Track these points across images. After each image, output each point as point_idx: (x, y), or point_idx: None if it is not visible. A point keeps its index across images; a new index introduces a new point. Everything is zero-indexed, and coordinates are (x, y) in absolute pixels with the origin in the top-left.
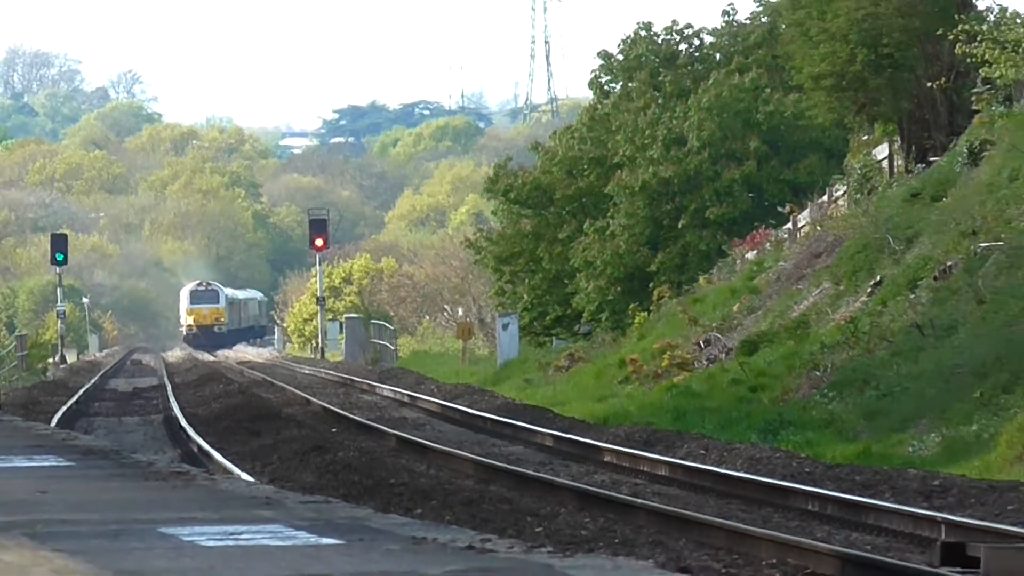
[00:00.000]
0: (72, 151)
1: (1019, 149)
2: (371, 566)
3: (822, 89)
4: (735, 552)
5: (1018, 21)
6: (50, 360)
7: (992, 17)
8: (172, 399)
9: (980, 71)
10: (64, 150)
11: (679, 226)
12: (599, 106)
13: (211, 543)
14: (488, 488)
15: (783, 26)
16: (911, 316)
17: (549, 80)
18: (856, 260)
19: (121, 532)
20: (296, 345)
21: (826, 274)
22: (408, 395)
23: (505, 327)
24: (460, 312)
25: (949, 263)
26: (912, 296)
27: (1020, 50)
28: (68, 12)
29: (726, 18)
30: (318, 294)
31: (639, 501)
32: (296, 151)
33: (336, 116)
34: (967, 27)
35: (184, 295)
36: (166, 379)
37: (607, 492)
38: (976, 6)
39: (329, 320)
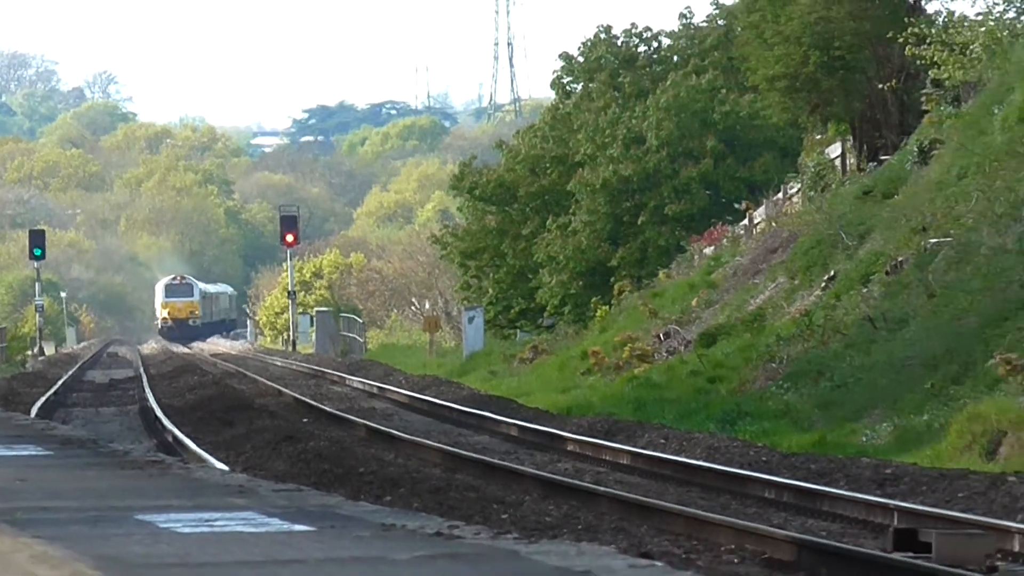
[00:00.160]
0: (49, 149)
1: (967, 148)
2: (342, 552)
3: (776, 90)
4: (695, 538)
5: (965, 24)
6: (29, 352)
7: (940, 21)
8: (148, 390)
9: (929, 73)
10: (41, 148)
11: (639, 222)
12: (561, 106)
13: (186, 530)
14: (455, 476)
15: (739, 29)
16: (864, 310)
17: (512, 81)
18: (810, 255)
19: (99, 519)
20: (268, 338)
21: (781, 269)
22: (377, 386)
23: (471, 320)
24: (427, 306)
25: (900, 258)
26: (864, 290)
27: (967, 53)
28: (45, 14)
29: (683, 21)
30: (289, 288)
31: (602, 489)
32: (267, 149)
33: (306, 115)
34: (916, 30)
35: (159, 289)
36: (142, 371)
37: (570, 480)
38: (925, 10)
39: (300, 313)
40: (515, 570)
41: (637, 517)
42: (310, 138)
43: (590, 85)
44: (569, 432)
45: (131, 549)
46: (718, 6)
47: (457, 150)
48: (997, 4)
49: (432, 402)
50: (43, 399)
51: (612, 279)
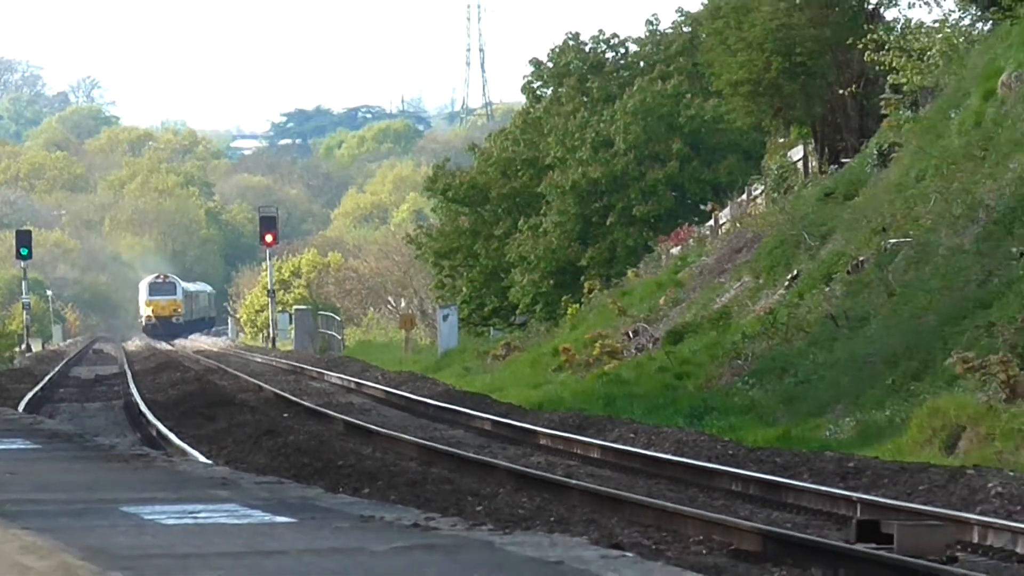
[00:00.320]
0: (35, 152)
1: (925, 151)
2: (322, 543)
3: (740, 95)
4: (664, 529)
5: (923, 31)
6: (16, 349)
7: (899, 27)
8: (132, 386)
9: (888, 78)
10: (27, 151)
11: (607, 223)
12: (531, 110)
13: (171, 521)
14: (431, 470)
15: (703, 35)
16: (826, 308)
17: (484, 85)
18: (774, 255)
19: (86, 511)
20: (248, 335)
21: (746, 269)
22: (354, 382)
23: (445, 318)
24: (403, 304)
25: (861, 258)
26: (827, 289)
27: (925, 58)
28: (30, 21)
29: (649, 28)
30: (269, 287)
31: (573, 482)
32: (246, 152)
33: (284, 119)
34: (875, 37)
35: (143, 287)
36: (126, 367)
37: (543, 473)
38: (884, 17)
39: (279, 311)
40: (490, 561)
41: (608, 509)
42: (288, 141)
43: (559, 90)
44: (541, 427)
45: (117, 540)
46: (683, 13)
47: (431, 153)
48: (953, 11)
49: (408, 397)
50: (31, 394)
51: (582, 278)
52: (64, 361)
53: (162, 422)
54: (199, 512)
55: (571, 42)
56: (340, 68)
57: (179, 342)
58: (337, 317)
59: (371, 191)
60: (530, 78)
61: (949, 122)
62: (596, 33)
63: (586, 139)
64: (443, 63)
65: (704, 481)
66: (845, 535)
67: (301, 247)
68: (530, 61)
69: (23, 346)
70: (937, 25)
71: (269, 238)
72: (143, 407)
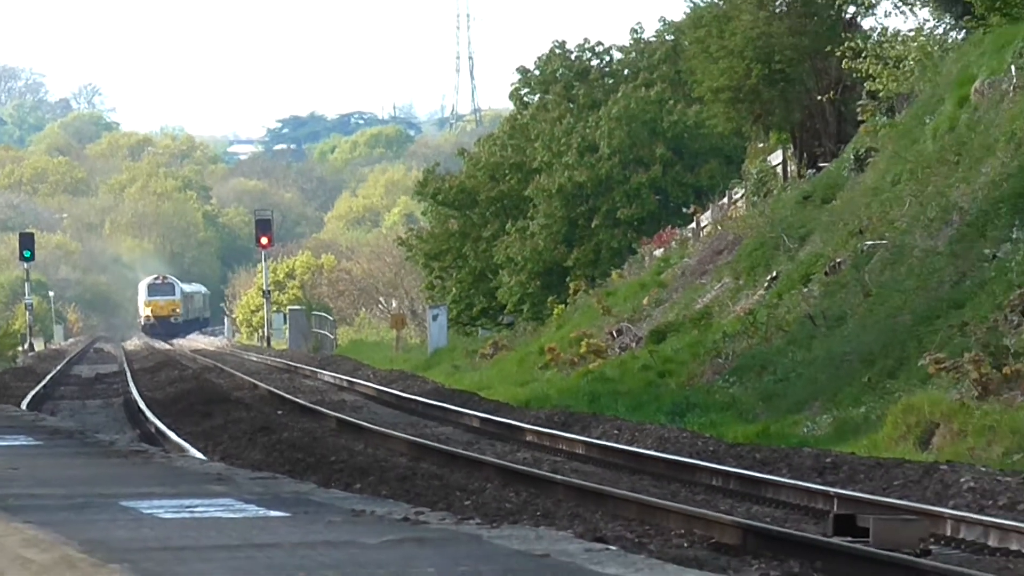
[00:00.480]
0: (38, 157)
1: (901, 156)
2: (315, 536)
3: (721, 101)
4: (647, 523)
5: (899, 39)
6: (19, 348)
7: (875, 36)
8: (131, 384)
9: (865, 85)
10: (30, 156)
11: (592, 226)
12: (519, 116)
13: (168, 515)
14: (420, 465)
15: (685, 44)
16: (804, 308)
17: (473, 92)
18: (754, 257)
19: (86, 505)
20: (244, 334)
21: (727, 270)
22: (347, 380)
23: (435, 318)
24: (394, 304)
25: (838, 260)
26: (805, 290)
27: (901, 66)
28: (33, 30)
29: (633, 36)
30: (264, 288)
31: (558, 477)
32: (242, 157)
33: (279, 125)
34: (852, 45)
35: (142, 288)
36: (126, 366)
37: (529, 469)
38: (861, 26)
39: (274, 311)
40: (478, 553)
41: (592, 503)
42: (283, 146)
43: (546, 97)
44: (528, 423)
45: (116, 534)
46: (666, 22)
47: (421, 158)
48: (928, 20)
49: (399, 395)
50: (33, 392)
51: (568, 279)
52: (65, 360)
53: (160, 419)
54: (196, 506)
55: (557, 50)
56: (333, 76)
57: (177, 341)
58: (330, 317)
59: (363, 195)
60: (517, 85)
61: (924, 128)
62: (581, 41)
63: (572, 144)
64: (433, 71)
65: (686, 476)
66: (822, 529)
67: (295, 249)
68: (517, 69)
69: (26, 345)
70: (912, 33)
71: (264, 240)
72: (142, 404)
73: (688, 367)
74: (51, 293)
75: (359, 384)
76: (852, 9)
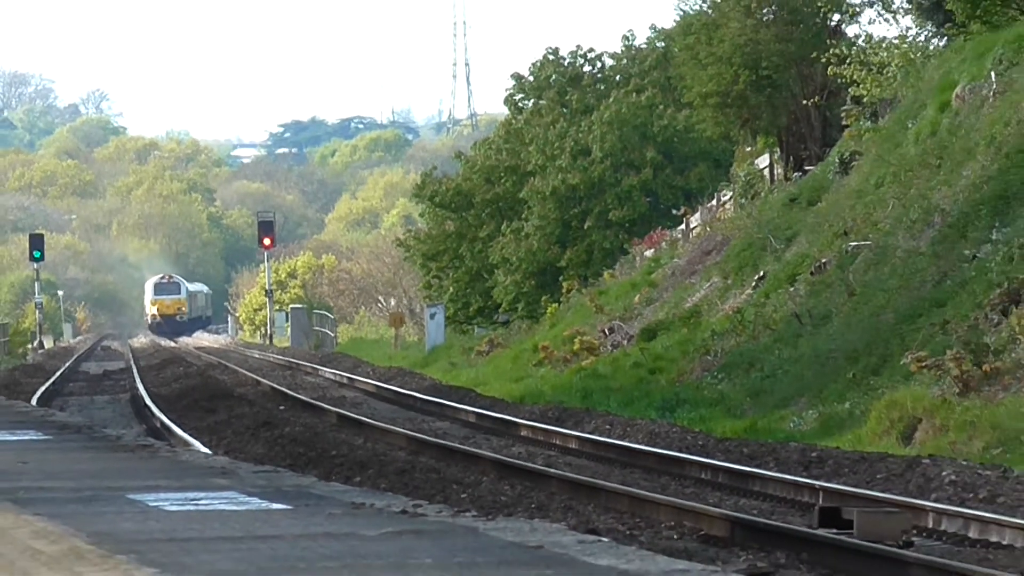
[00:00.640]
0: (47, 160)
1: (884, 159)
2: (315, 528)
3: (710, 106)
4: (637, 516)
5: (882, 46)
6: (29, 346)
7: (859, 43)
8: (138, 380)
9: (849, 90)
10: (40, 159)
11: (585, 227)
12: (513, 121)
13: (173, 508)
14: (418, 459)
15: (675, 50)
16: (791, 307)
17: (469, 98)
18: (742, 257)
19: (94, 498)
20: (247, 332)
21: (715, 270)
22: (347, 377)
23: (432, 316)
24: (392, 303)
25: (823, 260)
26: (791, 289)
27: (884, 72)
28: (43, 38)
29: (625, 43)
30: (266, 287)
31: (552, 471)
32: (246, 160)
33: (281, 129)
34: (837, 51)
35: (148, 287)
36: (132, 363)
37: (524, 463)
38: (845, 33)
39: (276, 310)
40: (474, 545)
41: (585, 496)
42: (285, 150)
43: (540, 102)
44: (522, 419)
45: (123, 526)
46: (656, 30)
47: (419, 161)
48: (911, 28)
49: (397, 391)
50: (43, 388)
51: (561, 279)
52: (74, 357)
53: (166, 414)
54: (200, 499)
55: (551, 57)
56: (334, 81)
57: (182, 339)
58: (331, 315)
59: (363, 197)
60: (512, 91)
61: (906, 132)
62: (574, 48)
63: (565, 148)
64: (431, 77)
65: (675, 470)
66: (808, 521)
67: (297, 250)
68: (512, 75)
69: (36, 343)
70: (896, 41)
71: (267, 241)
72: (148, 400)
73: (678, 364)
74: (60, 292)
75: (359, 381)
76: (837, 17)
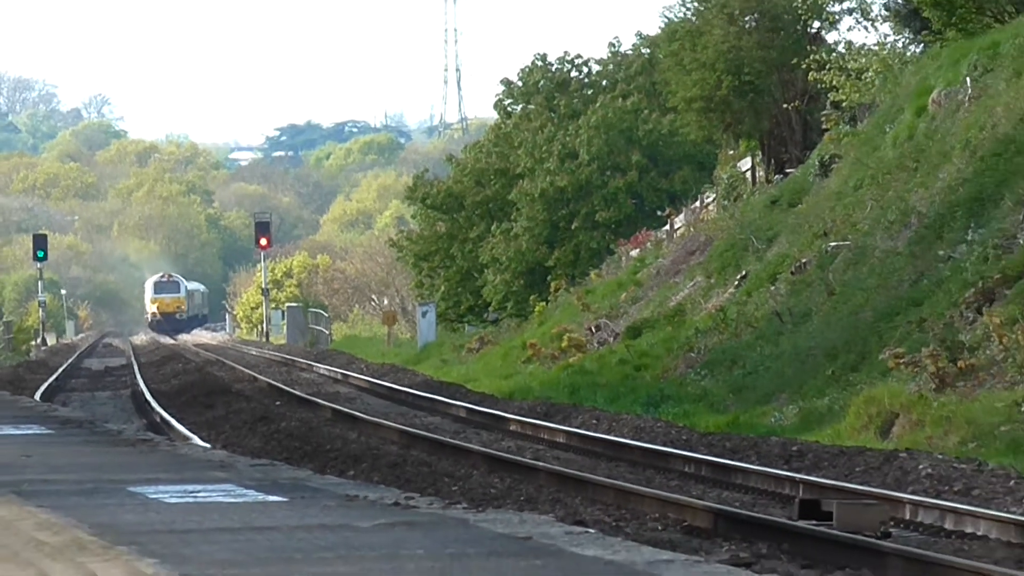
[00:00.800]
0: (50, 163)
1: (863, 162)
2: (311, 519)
3: (693, 111)
4: (623, 508)
5: (861, 53)
6: (33, 343)
7: (839, 49)
8: (138, 376)
9: (829, 95)
10: (43, 162)
11: (573, 228)
12: (503, 125)
13: (173, 500)
14: (410, 453)
15: (660, 56)
16: (772, 305)
17: (460, 102)
18: (724, 257)
19: (95, 491)
20: (244, 330)
21: (699, 269)
22: (341, 373)
23: (424, 314)
24: (385, 302)
25: (804, 260)
26: (772, 288)
27: (863, 77)
28: (46, 43)
29: (611, 49)
30: (263, 286)
31: (541, 464)
32: (243, 163)
33: (277, 133)
34: (818, 58)
35: (149, 286)
36: (133, 359)
37: (513, 457)
38: (825, 40)
39: (273, 308)
40: (465, 536)
41: (572, 489)
42: (281, 153)
43: (528, 106)
44: (511, 414)
45: (124, 517)
46: (642, 36)
47: (411, 164)
48: (889, 35)
49: (390, 387)
50: (46, 384)
51: (549, 278)
52: (76, 354)
53: (165, 410)
54: (199, 492)
55: (539, 63)
56: (329, 86)
57: (181, 337)
58: (325, 314)
59: (357, 199)
60: (502, 96)
61: (884, 136)
62: (562, 54)
63: (553, 151)
64: (423, 82)
65: (660, 463)
66: (789, 513)
67: (293, 250)
68: (501, 80)
69: (39, 340)
70: (874, 47)
71: (264, 241)
72: (148, 396)
73: (662, 361)
74: (63, 291)
75: (353, 377)
76: (817, 24)
